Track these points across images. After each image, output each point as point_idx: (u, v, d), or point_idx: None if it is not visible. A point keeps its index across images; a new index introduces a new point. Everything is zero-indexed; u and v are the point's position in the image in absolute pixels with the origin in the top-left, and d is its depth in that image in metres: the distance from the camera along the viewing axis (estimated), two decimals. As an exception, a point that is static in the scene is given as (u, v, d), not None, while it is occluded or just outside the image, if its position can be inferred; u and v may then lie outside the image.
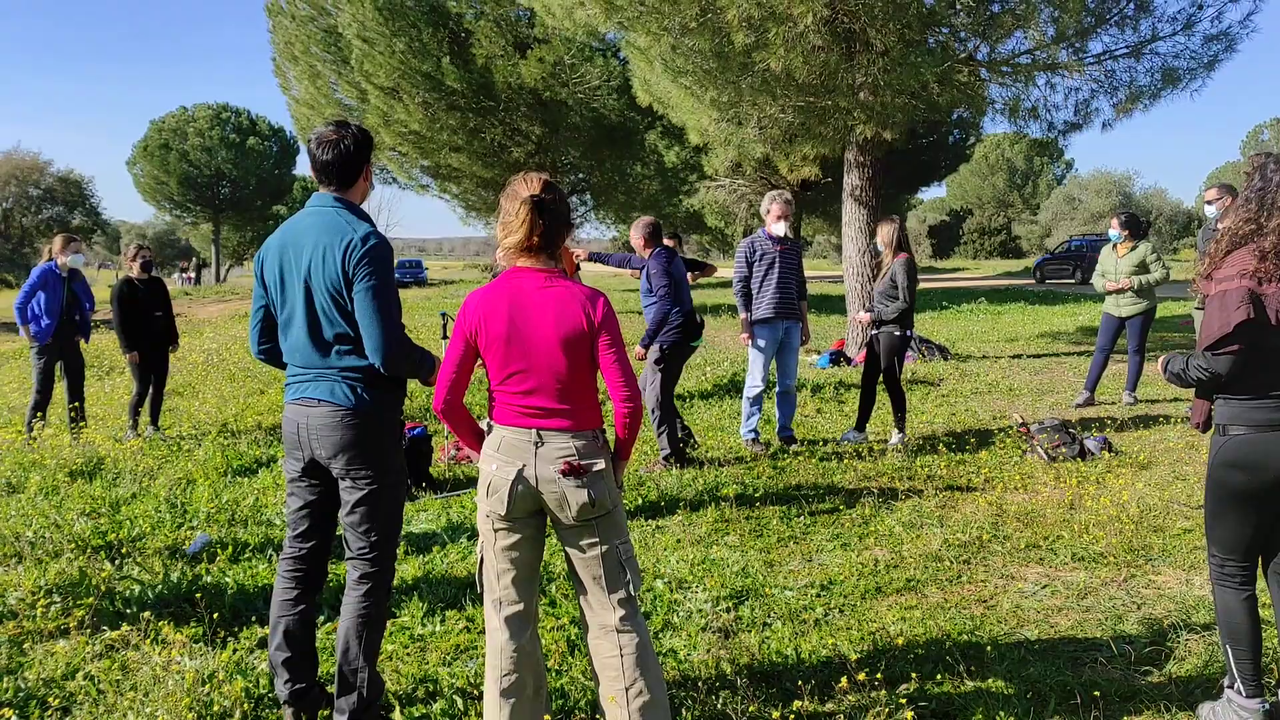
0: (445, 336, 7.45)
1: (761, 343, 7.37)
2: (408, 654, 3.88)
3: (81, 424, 8.19)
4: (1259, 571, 3.22)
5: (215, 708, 3.32)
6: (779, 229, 7.32)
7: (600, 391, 2.98)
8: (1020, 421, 7.34)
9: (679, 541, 5.27)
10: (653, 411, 6.85)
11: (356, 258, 3.02)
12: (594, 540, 2.86)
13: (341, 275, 3.03)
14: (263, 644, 3.87)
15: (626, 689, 2.82)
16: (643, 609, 4.18)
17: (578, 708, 3.37)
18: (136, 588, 4.53)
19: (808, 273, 7.88)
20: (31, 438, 7.81)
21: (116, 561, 4.96)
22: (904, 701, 3.30)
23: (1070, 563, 4.80)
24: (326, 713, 3.28)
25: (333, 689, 3.24)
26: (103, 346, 14.93)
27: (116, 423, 8.87)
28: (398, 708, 3.37)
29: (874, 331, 7.54)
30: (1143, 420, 8.18)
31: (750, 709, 3.27)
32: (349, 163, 3.17)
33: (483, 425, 3.04)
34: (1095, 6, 10.45)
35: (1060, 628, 4.05)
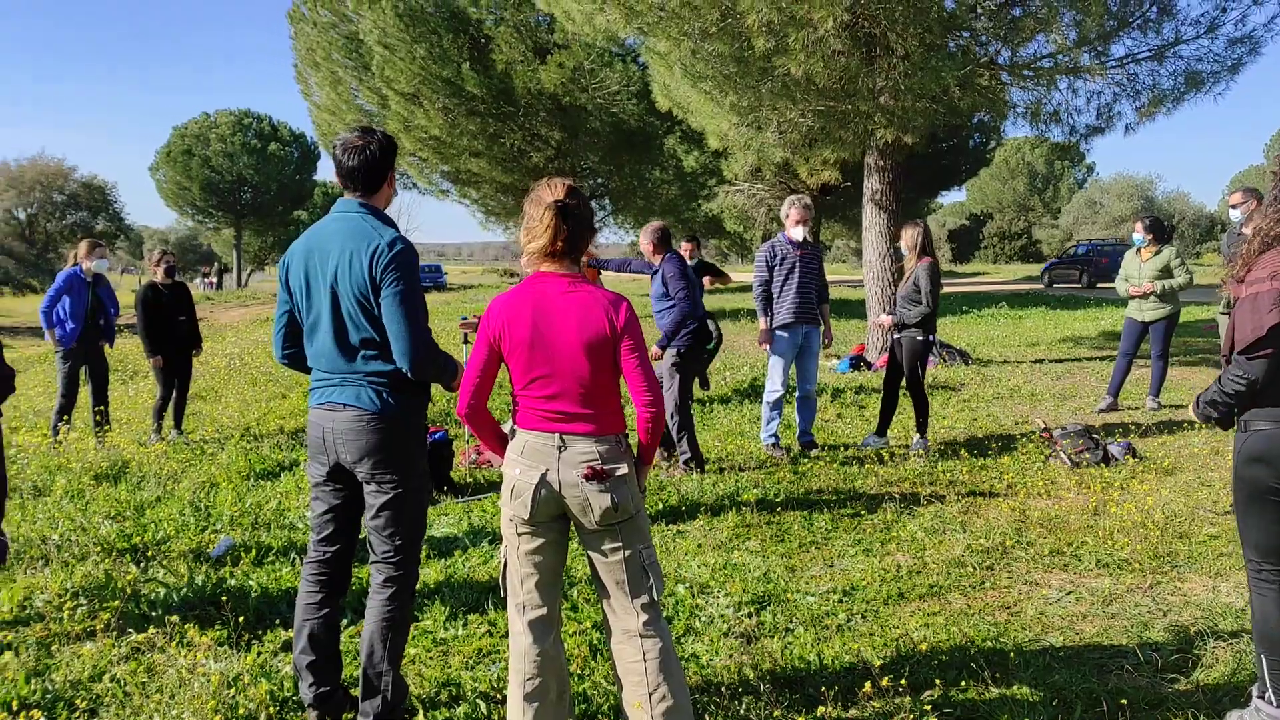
0: (467, 342, 7.48)
1: (781, 347, 7.37)
2: (431, 658, 3.88)
3: (106, 428, 8.27)
4: None
5: (240, 711, 3.34)
6: (798, 233, 7.31)
7: (623, 396, 2.99)
8: (1043, 427, 7.30)
9: (700, 546, 5.27)
10: (671, 416, 6.84)
11: (384, 263, 3.03)
12: (617, 545, 2.86)
13: (368, 280, 3.04)
14: (287, 647, 3.89)
15: (650, 694, 2.81)
16: (665, 614, 4.17)
17: (600, 712, 3.37)
18: (162, 591, 4.56)
19: (827, 277, 7.87)
20: (57, 441, 7.90)
21: (142, 564, 5.00)
22: (928, 708, 3.28)
23: (1095, 569, 4.76)
24: (351, 716, 3.29)
25: (357, 692, 3.26)
26: (127, 351, 15.06)
27: (141, 426, 8.95)
28: (421, 711, 3.38)
29: (896, 336, 7.51)
30: (1167, 425, 8.11)
31: (774, 714, 3.26)
32: (374, 168, 3.19)
33: (506, 429, 3.05)
34: (1118, 10, 10.39)
35: (1085, 634, 4.01)
